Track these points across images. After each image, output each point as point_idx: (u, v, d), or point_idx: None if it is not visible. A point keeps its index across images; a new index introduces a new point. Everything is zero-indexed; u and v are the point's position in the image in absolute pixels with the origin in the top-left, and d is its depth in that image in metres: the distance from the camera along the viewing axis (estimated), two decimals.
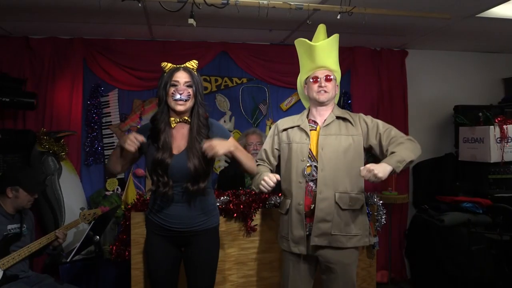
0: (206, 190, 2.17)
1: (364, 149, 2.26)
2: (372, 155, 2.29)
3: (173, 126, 2.11)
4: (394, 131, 2.22)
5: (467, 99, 4.48)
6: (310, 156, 2.20)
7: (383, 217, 3.01)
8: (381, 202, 2.98)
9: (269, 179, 2.11)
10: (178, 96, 2.05)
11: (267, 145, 2.40)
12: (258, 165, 2.38)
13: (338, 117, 2.25)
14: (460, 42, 4.28)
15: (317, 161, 2.18)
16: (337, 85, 2.32)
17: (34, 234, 2.93)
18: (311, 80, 2.26)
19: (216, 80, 4.21)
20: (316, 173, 2.17)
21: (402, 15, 3.20)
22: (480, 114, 3.98)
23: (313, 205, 2.16)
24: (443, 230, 3.63)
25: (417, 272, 4.21)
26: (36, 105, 3.60)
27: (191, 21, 2.67)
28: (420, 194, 4.48)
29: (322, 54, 2.23)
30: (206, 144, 2.00)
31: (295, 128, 2.29)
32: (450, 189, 4.12)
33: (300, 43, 2.33)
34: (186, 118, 2.12)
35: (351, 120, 2.25)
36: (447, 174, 4.36)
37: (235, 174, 3.35)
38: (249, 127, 4.14)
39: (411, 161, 2.10)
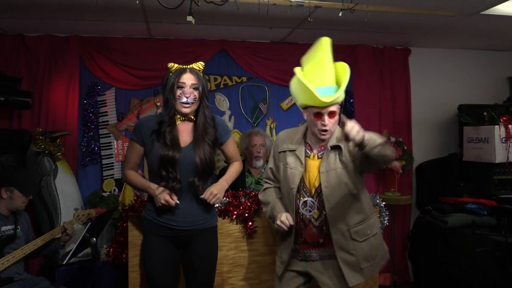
0: (207, 185, 2.23)
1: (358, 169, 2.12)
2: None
3: (178, 123, 2.18)
4: None
5: (471, 98, 4.47)
6: (303, 187, 2.12)
7: (386, 218, 3.01)
8: (383, 203, 2.98)
9: (283, 224, 2.10)
10: (184, 99, 2.10)
11: (271, 163, 2.33)
12: (265, 188, 2.33)
13: (331, 147, 2.09)
14: (464, 40, 4.27)
15: (309, 189, 2.11)
16: (339, 113, 2.08)
17: (30, 235, 2.93)
18: (312, 114, 2.02)
19: (216, 79, 4.21)
20: (313, 208, 2.11)
21: (405, 13, 3.19)
22: (485, 113, 3.98)
23: (309, 229, 2.13)
24: (447, 231, 3.63)
25: (420, 275, 4.21)
26: (32, 104, 3.60)
27: (189, 18, 2.67)
28: (424, 195, 4.47)
29: (332, 100, 1.95)
30: (207, 194, 2.17)
31: (291, 152, 2.18)
32: (454, 190, 4.12)
33: (303, 87, 1.95)
34: (191, 117, 2.18)
35: (342, 146, 2.09)
36: (451, 175, 4.35)
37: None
38: (249, 127, 4.14)
39: (381, 151, 1.83)
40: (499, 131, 3.82)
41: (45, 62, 3.85)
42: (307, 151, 2.16)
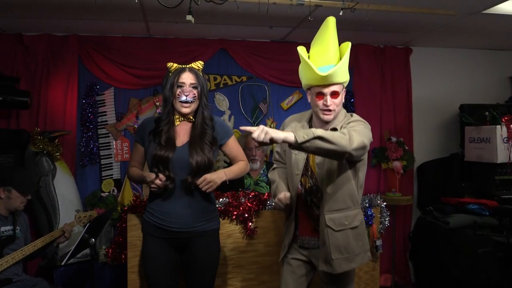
0: None
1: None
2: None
3: (176, 124, 2.18)
4: (357, 127, 1.99)
5: (473, 97, 4.48)
6: (306, 167, 2.13)
7: (387, 219, 3.02)
8: (384, 203, 2.98)
9: (280, 202, 2.08)
10: (184, 98, 2.11)
11: (277, 147, 2.34)
12: (274, 168, 2.34)
13: (332, 129, 2.07)
14: (466, 39, 4.28)
15: (314, 173, 2.11)
16: (344, 89, 2.10)
17: (28, 236, 2.93)
18: (314, 94, 2.04)
19: (215, 79, 4.21)
20: (314, 187, 2.10)
21: (406, 12, 3.20)
22: (487, 113, 3.98)
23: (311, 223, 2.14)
24: (448, 232, 3.63)
25: (421, 276, 4.21)
26: (30, 104, 3.60)
27: (189, 17, 2.67)
28: (425, 195, 4.48)
29: (331, 77, 1.96)
30: (200, 180, 2.11)
31: None
32: (456, 190, 4.12)
33: (303, 62, 2.02)
34: (190, 117, 2.19)
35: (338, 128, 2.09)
36: (453, 175, 4.36)
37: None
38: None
39: (325, 144, 1.76)
40: (501, 131, 3.82)
41: (43, 62, 3.85)
42: None
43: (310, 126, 2.15)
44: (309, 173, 2.12)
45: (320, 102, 2.02)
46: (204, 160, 2.12)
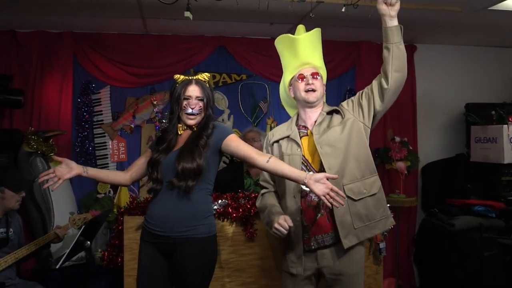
0: (197, 192, 2.14)
1: (367, 128, 2.22)
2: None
3: (180, 133, 2.24)
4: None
5: (479, 96, 4.47)
6: (305, 164, 2.17)
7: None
8: (388, 205, 2.97)
9: (281, 227, 2.05)
10: (189, 110, 2.18)
11: None
12: (263, 194, 2.33)
13: (328, 113, 2.24)
14: (471, 36, 4.27)
15: (314, 169, 2.14)
16: (324, 84, 2.30)
17: (22, 238, 2.93)
18: (297, 79, 2.23)
19: (214, 77, 4.21)
20: None
21: (410, 8, 3.19)
22: (493, 112, 3.98)
23: (319, 215, 2.13)
24: (453, 235, 3.63)
25: (426, 279, 4.22)
26: (24, 103, 3.60)
27: (187, 14, 2.67)
28: (430, 197, 4.48)
29: (306, 49, 2.22)
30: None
31: (285, 139, 2.26)
32: (461, 191, 4.12)
33: (281, 40, 2.31)
34: (194, 128, 2.24)
35: (340, 110, 2.24)
36: (458, 176, 4.36)
37: (234, 177, 3.34)
38: (249, 126, 4.14)
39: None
40: (507, 130, 3.82)
41: (37, 59, 3.85)
42: (302, 131, 2.25)
43: (297, 124, 2.28)
44: (307, 167, 2.15)
45: (302, 84, 2.21)
46: (192, 166, 2.09)
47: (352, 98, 2.28)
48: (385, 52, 2.16)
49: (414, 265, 4.44)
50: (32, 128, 3.67)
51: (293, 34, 2.32)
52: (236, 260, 2.73)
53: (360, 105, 2.22)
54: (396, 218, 3.72)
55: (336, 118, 2.22)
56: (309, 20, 3.24)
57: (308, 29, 2.31)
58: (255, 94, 4.30)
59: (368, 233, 2.15)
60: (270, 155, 2.10)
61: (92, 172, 2.26)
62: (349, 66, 4.38)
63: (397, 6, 2.15)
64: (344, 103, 2.29)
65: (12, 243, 2.79)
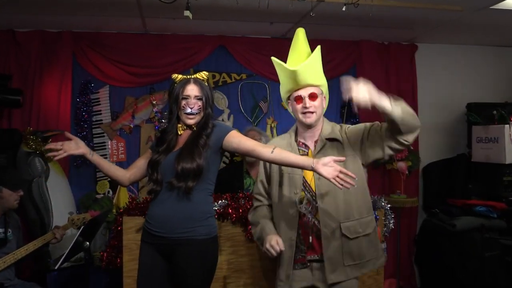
0: (197, 193, 2.14)
1: (365, 162, 2.15)
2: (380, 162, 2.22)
3: (180, 133, 2.23)
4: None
5: (480, 96, 4.47)
6: (305, 185, 2.13)
7: (391, 221, 3.00)
8: (389, 206, 2.97)
9: (272, 249, 2.06)
10: (188, 110, 2.17)
11: (261, 175, 2.31)
12: (256, 207, 2.30)
13: (328, 139, 2.15)
14: (473, 35, 4.27)
15: (313, 191, 2.10)
16: (325, 97, 2.21)
17: (21, 238, 2.93)
18: (294, 100, 2.16)
19: (214, 76, 4.20)
20: (315, 203, 2.09)
21: (411, 7, 3.20)
22: (495, 112, 3.98)
23: (311, 238, 2.11)
24: (454, 235, 3.63)
25: (427, 280, 4.21)
26: (22, 102, 3.60)
27: (187, 13, 2.67)
28: (431, 197, 4.48)
29: (304, 74, 2.10)
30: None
31: None
32: (463, 192, 4.12)
33: (276, 65, 2.23)
34: (194, 127, 2.23)
35: (340, 138, 2.15)
36: (459, 176, 4.36)
37: (234, 177, 3.34)
38: (249, 126, 4.14)
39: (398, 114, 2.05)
40: (509, 130, 3.82)
41: (36, 59, 3.84)
42: (303, 150, 2.19)
43: (296, 139, 2.22)
44: (307, 188, 2.12)
45: (300, 106, 2.13)
46: (191, 166, 2.09)
47: (357, 129, 2.16)
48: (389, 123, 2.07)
49: (415, 265, 4.44)
50: (31, 128, 3.67)
51: (293, 35, 2.26)
52: (236, 260, 2.73)
53: (365, 150, 2.12)
54: (397, 218, 3.73)
55: (337, 149, 2.13)
56: (309, 19, 3.24)
57: (308, 29, 2.29)
58: (255, 94, 4.30)
59: (357, 272, 2.10)
60: (274, 146, 2.08)
61: (97, 158, 2.28)
62: (349, 66, 4.37)
63: (368, 102, 2.02)
64: (347, 131, 2.18)
65: (10, 244, 2.79)
